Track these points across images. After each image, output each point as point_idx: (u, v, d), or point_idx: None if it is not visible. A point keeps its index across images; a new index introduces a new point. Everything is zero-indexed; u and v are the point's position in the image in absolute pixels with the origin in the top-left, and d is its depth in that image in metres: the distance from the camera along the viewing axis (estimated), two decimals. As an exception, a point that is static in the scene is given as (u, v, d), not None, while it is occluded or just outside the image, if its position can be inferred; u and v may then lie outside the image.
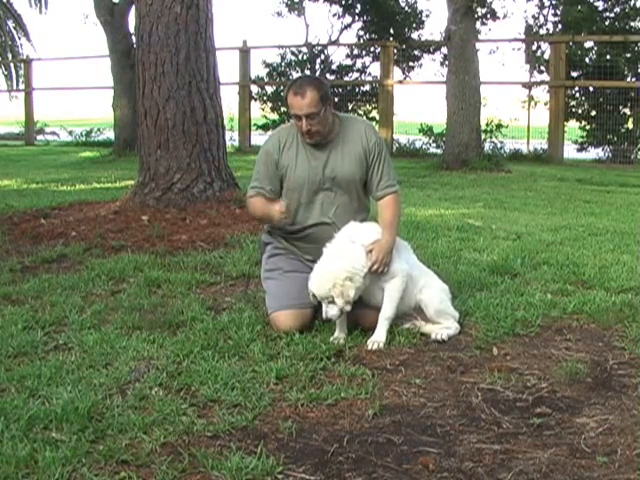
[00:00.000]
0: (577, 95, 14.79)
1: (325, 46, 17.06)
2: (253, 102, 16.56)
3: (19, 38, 20.76)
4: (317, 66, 16.90)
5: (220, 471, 2.34)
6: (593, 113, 14.42)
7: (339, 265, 3.42)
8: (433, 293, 3.67)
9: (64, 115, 22.80)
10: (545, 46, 14.62)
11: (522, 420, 2.72)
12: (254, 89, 16.70)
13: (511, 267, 4.76)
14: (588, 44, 14.38)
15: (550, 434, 2.61)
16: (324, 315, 3.45)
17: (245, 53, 16.08)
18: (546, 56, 14.44)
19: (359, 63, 17.00)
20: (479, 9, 13.61)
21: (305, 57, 16.92)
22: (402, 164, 11.97)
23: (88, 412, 2.67)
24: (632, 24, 14.43)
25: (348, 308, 3.43)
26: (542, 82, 14.56)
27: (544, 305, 3.97)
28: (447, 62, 12.33)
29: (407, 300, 3.64)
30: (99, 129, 18.46)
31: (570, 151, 14.26)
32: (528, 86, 14.65)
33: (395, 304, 3.57)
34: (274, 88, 16.45)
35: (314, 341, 3.45)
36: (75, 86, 19.84)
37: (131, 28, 13.22)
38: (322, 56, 17.05)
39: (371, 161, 3.77)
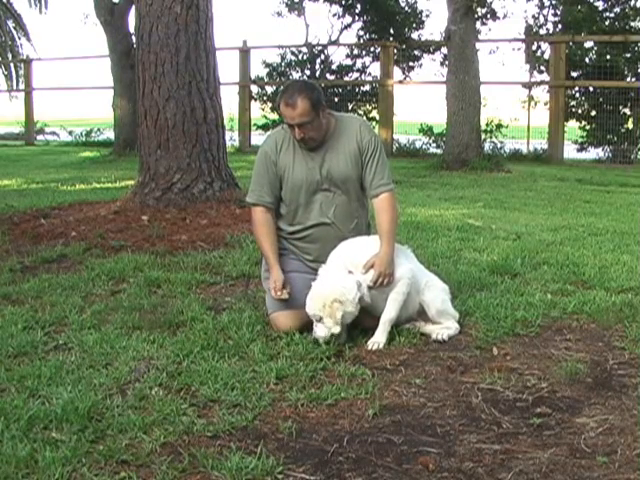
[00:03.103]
0: (577, 95, 14.77)
1: (325, 46, 17.05)
2: (253, 102, 16.55)
3: (19, 38, 20.74)
4: (317, 66, 16.89)
5: (220, 471, 2.34)
6: (593, 113, 14.40)
7: (331, 288, 3.42)
8: (435, 293, 3.67)
9: (64, 115, 22.79)
10: (545, 46, 14.61)
11: (522, 420, 2.72)
12: (254, 89, 16.69)
13: (511, 267, 4.76)
14: (588, 44, 14.36)
15: (550, 434, 2.61)
16: (313, 334, 3.45)
17: (245, 53, 16.07)
18: (546, 56, 14.42)
19: (359, 63, 17.00)
20: (479, 9, 13.58)
21: (305, 57, 16.91)
22: (402, 164, 11.96)
23: (88, 412, 2.67)
24: (632, 24, 14.41)
25: (337, 330, 3.40)
26: (542, 82, 14.54)
27: (544, 305, 3.97)
28: (447, 62, 12.32)
29: (411, 305, 3.64)
30: (99, 129, 18.46)
31: (570, 151, 14.24)
32: (528, 86, 14.64)
33: (398, 307, 3.56)
34: (274, 88, 16.44)
35: (314, 341, 3.45)
36: (75, 86, 19.84)
37: (131, 28, 13.23)
38: (322, 56, 17.04)
39: (364, 158, 3.75)
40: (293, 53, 17.02)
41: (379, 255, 3.56)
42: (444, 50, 14.68)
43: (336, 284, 3.43)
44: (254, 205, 3.83)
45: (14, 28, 20.55)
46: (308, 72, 16.71)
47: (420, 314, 3.69)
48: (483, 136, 12.65)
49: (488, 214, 7.13)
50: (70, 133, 19.09)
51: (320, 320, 3.41)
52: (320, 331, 3.42)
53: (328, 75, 16.88)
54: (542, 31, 15.22)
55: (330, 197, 3.77)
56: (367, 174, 3.76)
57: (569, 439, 2.57)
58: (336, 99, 16.20)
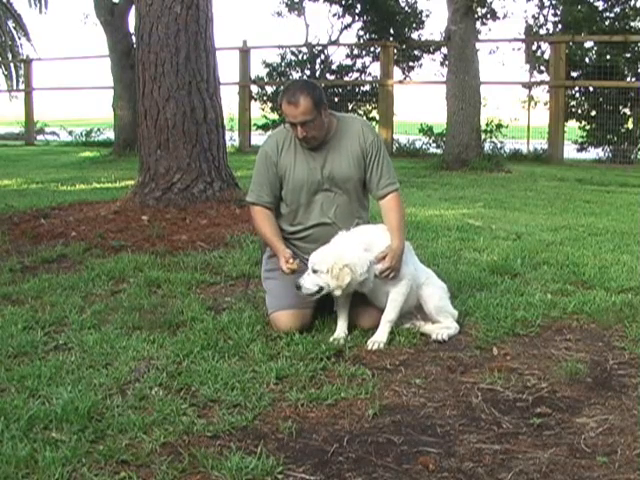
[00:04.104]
0: (577, 95, 14.77)
1: (325, 46, 17.05)
2: (253, 102, 16.56)
3: (19, 38, 20.77)
4: (317, 66, 16.89)
5: (220, 471, 2.34)
6: (593, 113, 14.41)
7: (348, 253, 3.44)
8: (433, 290, 3.69)
9: (64, 115, 22.78)
10: (545, 46, 14.62)
11: (522, 420, 2.72)
12: (254, 89, 16.70)
13: (511, 267, 4.76)
14: (588, 44, 14.37)
15: (550, 434, 2.62)
16: (297, 280, 3.46)
17: (245, 53, 16.08)
18: (546, 56, 14.43)
19: (359, 63, 17.01)
20: (479, 9, 13.60)
21: (305, 57, 16.91)
22: (402, 164, 11.96)
23: (88, 412, 2.67)
24: (632, 24, 14.42)
25: (338, 293, 3.45)
26: (542, 82, 14.55)
27: (544, 305, 3.97)
28: (447, 62, 12.33)
29: (409, 301, 3.65)
30: (99, 129, 18.45)
31: (570, 151, 14.24)
32: (528, 86, 14.64)
33: (399, 308, 3.57)
34: (274, 88, 16.44)
35: (314, 341, 3.45)
36: (75, 86, 19.84)
37: (131, 28, 13.22)
38: (322, 56, 17.04)
39: (369, 160, 3.76)
40: (293, 53, 17.02)
41: (392, 248, 3.57)
42: (444, 50, 14.69)
43: (354, 252, 3.46)
44: (253, 204, 3.84)
45: (14, 28, 20.57)
46: (308, 72, 16.71)
47: (419, 310, 3.69)
48: (483, 136, 12.65)
49: (488, 214, 7.13)
50: (70, 133, 19.08)
51: (316, 273, 3.43)
52: (306, 281, 3.45)
53: (328, 75, 16.88)
54: (542, 31, 15.23)
55: (331, 197, 3.78)
56: (373, 175, 3.77)
57: (569, 439, 2.57)
58: (336, 99, 16.20)
